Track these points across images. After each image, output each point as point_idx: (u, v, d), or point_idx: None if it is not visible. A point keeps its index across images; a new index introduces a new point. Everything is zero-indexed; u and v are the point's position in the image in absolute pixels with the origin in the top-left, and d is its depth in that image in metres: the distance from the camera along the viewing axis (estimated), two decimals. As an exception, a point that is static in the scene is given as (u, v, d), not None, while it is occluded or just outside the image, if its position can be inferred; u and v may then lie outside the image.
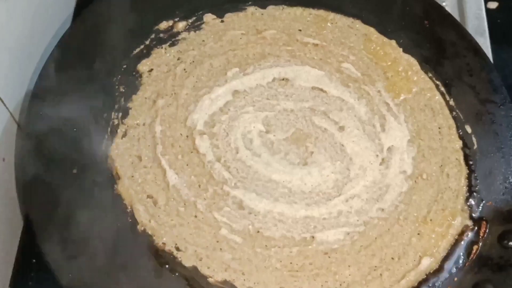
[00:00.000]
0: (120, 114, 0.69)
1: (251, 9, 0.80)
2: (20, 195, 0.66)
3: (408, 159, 0.71)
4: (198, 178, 0.66)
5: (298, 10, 0.81)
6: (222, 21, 0.79)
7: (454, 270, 0.64)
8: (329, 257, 0.64)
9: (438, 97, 0.76)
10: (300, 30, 0.79)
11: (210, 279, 0.61)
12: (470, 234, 0.67)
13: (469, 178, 0.71)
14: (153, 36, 0.76)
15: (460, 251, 0.66)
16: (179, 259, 0.61)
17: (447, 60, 0.78)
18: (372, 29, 0.80)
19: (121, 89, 0.71)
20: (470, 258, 0.65)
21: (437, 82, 0.77)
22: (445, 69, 0.78)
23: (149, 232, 0.62)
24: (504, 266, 0.64)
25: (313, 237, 0.64)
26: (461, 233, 0.67)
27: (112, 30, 0.73)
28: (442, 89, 0.77)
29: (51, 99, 0.67)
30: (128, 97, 0.71)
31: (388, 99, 0.75)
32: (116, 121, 0.69)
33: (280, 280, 0.61)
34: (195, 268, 0.61)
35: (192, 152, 0.68)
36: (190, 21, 0.78)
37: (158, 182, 0.66)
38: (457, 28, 0.81)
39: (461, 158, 0.72)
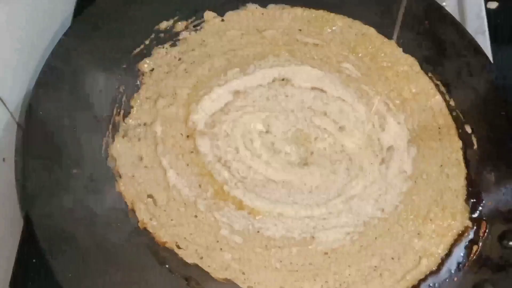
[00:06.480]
0: (121, 114, 0.69)
1: (251, 8, 0.80)
2: (20, 195, 0.66)
3: (408, 159, 0.71)
4: (199, 178, 0.66)
5: (298, 10, 0.81)
6: (222, 20, 0.79)
7: (454, 270, 0.65)
8: (329, 257, 0.64)
9: (438, 97, 0.76)
10: (300, 30, 0.79)
11: (211, 274, 0.61)
12: (470, 234, 0.67)
13: (469, 178, 0.71)
14: (153, 36, 0.76)
15: (460, 251, 0.66)
16: (180, 256, 0.61)
17: (447, 60, 0.78)
18: (372, 29, 0.80)
19: (122, 89, 0.71)
20: (470, 258, 0.65)
21: (437, 82, 0.77)
22: (445, 69, 0.78)
23: (150, 231, 0.62)
24: (504, 266, 0.64)
25: (313, 237, 0.64)
26: (461, 233, 0.67)
27: (112, 30, 0.73)
28: (442, 89, 0.77)
29: (51, 98, 0.67)
30: (128, 97, 0.71)
31: (388, 99, 0.75)
32: (116, 121, 0.69)
33: (280, 280, 0.61)
34: (195, 267, 0.61)
35: (192, 152, 0.68)
36: (190, 21, 0.78)
37: (158, 182, 0.65)
38: (457, 28, 0.81)
39: (461, 158, 0.72)
